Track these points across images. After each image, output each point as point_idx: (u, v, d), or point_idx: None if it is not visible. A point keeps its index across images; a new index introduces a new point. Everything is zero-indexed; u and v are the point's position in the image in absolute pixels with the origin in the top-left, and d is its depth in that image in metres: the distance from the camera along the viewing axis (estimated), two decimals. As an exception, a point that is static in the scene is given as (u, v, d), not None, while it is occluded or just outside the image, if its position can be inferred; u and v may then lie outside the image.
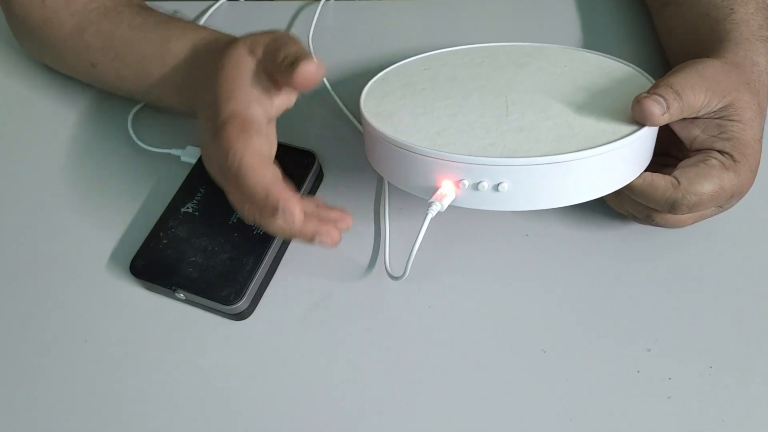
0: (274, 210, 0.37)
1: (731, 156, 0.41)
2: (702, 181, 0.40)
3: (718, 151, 0.41)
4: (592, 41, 0.58)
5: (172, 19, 0.50)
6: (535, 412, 0.41)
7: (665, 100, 0.39)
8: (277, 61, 0.39)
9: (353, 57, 0.58)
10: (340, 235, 0.40)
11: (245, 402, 0.42)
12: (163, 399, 0.43)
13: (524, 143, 0.40)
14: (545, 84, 0.45)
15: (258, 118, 0.40)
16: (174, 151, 0.52)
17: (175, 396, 0.43)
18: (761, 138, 0.42)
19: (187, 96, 0.47)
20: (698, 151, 0.42)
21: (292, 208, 0.37)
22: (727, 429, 0.40)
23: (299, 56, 0.38)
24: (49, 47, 0.52)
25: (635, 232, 0.47)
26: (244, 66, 0.41)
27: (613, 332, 0.44)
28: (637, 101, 0.40)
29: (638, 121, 0.40)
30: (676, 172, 0.41)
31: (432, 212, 0.40)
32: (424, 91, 0.46)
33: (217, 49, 0.44)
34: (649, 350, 0.43)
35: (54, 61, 0.55)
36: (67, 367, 0.44)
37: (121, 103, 0.56)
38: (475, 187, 0.40)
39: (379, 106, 0.45)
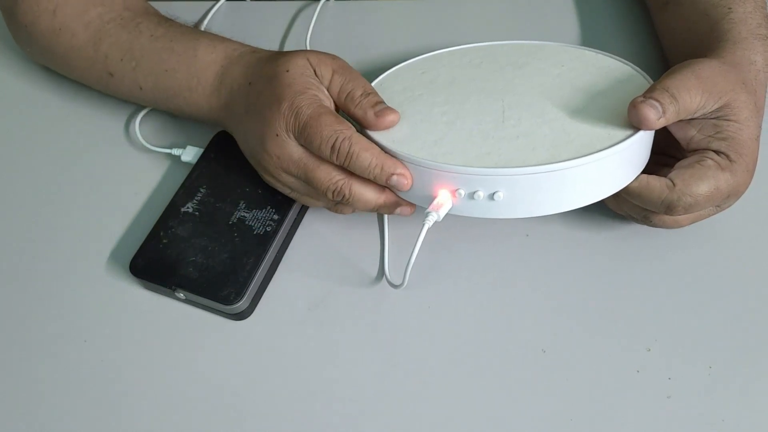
0: (389, 178, 0.41)
1: (727, 156, 0.41)
2: (697, 182, 0.40)
3: (714, 152, 0.41)
4: (591, 40, 0.58)
5: (196, 31, 0.50)
6: (535, 412, 0.41)
7: (661, 104, 0.39)
8: (355, 99, 0.43)
9: (352, 57, 0.58)
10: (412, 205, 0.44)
11: (245, 402, 0.42)
12: (164, 399, 0.43)
13: (520, 151, 0.40)
14: (543, 86, 0.45)
15: (335, 111, 0.43)
16: (174, 151, 0.52)
17: (176, 396, 0.43)
18: (758, 137, 0.42)
19: (216, 104, 0.48)
20: (695, 151, 0.42)
21: (406, 174, 0.42)
22: (727, 429, 0.40)
23: (383, 107, 0.43)
24: (59, 56, 0.52)
25: (635, 233, 0.47)
26: (309, 75, 0.43)
27: (613, 332, 0.44)
28: (633, 105, 0.40)
29: (634, 125, 0.40)
30: (672, 174, 0.41)
31: (429, 222, 0.41)
32: (422, 96, 0.46)
33: (258, 59, 0.46)
34: (649, 350, 0.43)
35: (63, 69, 0.54)
36: (67, 367, 0.44)
37: (122, 103, 0.56)
38: (471, 196, 0.40)
39: None
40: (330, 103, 0.44)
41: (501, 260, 0.47)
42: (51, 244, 0.49)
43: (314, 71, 0.44)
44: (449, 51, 0.51)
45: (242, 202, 0.47)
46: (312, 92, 0.43)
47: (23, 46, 0.56)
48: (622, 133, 0.40)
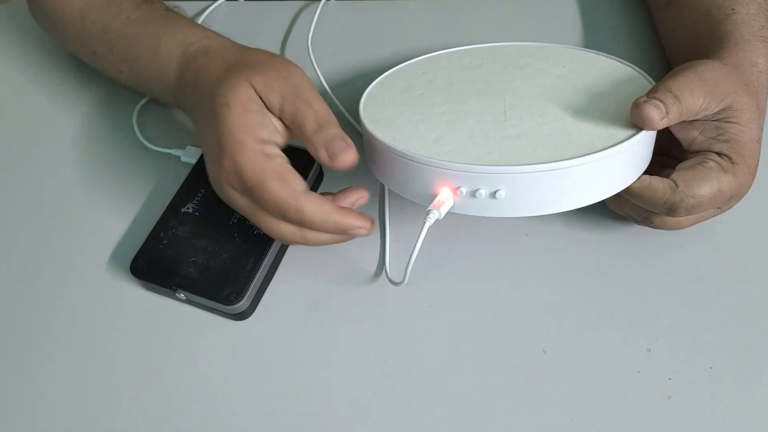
0: (347, 235, 0.40)
1: (729, 158, 0.41)
2: (700, 183, 0.40)
3: (717, 153, 0.41)
4: (593, 41, 0.58)
5: (167, 17, 0.48)
6: (535, 412, 0.41)
7: (664, 104, 0.39)
8: (305, 134, 0.39)
9: (353, 57, 0.58)
10: (370, 223, 0.41)
11: (245, 402, 0.42)
12: (164, 399, 0.43)
13: (521, 150, 0.40)
14: (544, 87, 0.45)
15: (282, 161, 0.40)
16: (174, 152, 0.52)
17: (176, 396, 0.43)
18: (760, 139, 0.42)
19: (180, 100, 0.46)
20: (697, 152, 0.42)
21: (365, 225, 0.40)
22: (727, 429, 0.40)
23: (338, 146, 0.39)
24: (56, 24, 0.51)
25: (635, 233, 0.47)
26: (253, 110, 0.39)
27: (613, 332, 0.44)
28: (636, 105, 0.40)
29: (637, 125, 0.40)
30: (674, 175, 0.41)
31: (430, 221, 0.41)
32: (423, 96, 0.46)
33: (206, 71, 0.42)
34: (649, 350, 0.43)
35: (59, 40, 0.53)
36: (67, 367, 0.44)
37: (122, 103, 0.56)
38: (473, 194, 0.40)
39: (378, 113, 0.45)
40: (282, 137, 0.41)
41: (501, 260, 0.47)
42: (52, 244, 0.49)
43: (261, 99, 0.40)
44: (449, 52, 0.51)
45: None
46: (252, 144, 0.38)
47: (33, 11, 0.55)
48: (623, 133, 0.40)
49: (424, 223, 0.41)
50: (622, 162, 0.40)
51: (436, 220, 0.41)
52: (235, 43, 0.45)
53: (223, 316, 0.45)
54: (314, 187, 0.50)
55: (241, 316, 0.45)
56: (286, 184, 0.38)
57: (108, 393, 0.43)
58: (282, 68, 0.41)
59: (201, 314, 0.46)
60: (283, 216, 0.39)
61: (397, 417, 0.41)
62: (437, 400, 0.42)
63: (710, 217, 0.43)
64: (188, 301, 0.45)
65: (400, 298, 0.45)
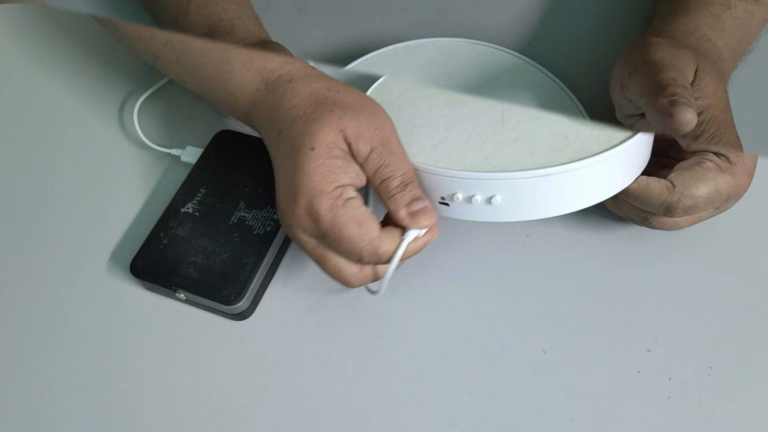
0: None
1: (727, 158, 0.40)
2: (697, 184, 0.40)
3: (714, 153, 0.41)
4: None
5: (243, 31, 0.46)
6: (535, 412, 0.41)
7: (687, 98, 0.37)
8: (390, 191, 0.39)
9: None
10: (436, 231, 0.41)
11: (246, 402, 0.42)
12: (164, 399, 0.43)
13: (518, 155, 0.40)
14: (541, 90, 0.45)
15: (359, 204, 0.39)
16: (174, 151, 0.52)
17: (176, 396, 0.43)
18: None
19: (254, 122, 0.43)
20: (694, 153, 0.42)
21: (434, 235, 0.41)
22: (727, 429, 0.40)
23: (419, 203, 0.39)
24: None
25: (635, 233, 0.47)
26: (338, 156, 0.39)
27: (613, 332, 0.44)
28: (666, 113, 0.36)
29: (665, 132, 0.39)
30: (672, 176, 0.41)
31: (408, 237, 0.40)
32: (422, 99, 0.46)
33: (291, 99, 0.40)
34: (649, 350, 0.43)
35: (122, 35, 0.50)
36: (68, 367, 0.44)
37: (122, 102, 0.56)
38: (469, 200, 0.40)
39: None
40: (360, 180, 0.40)
41: (501, 261, 0.47)
42: (52, 244, 0.49)
43: (349, 147, 0.39)
44: (451, 45, 0.51)
45: (242, 202, 0.47)
46: (332, 191, 0.38)
47: None
48: (621, 135, 0.40)
49: (402, 240, 0.40)
50: (620, 163, 0.40)
51: (439, 214, 0.41)
52: (319, 71, 0.43)
53: (223, 316, 0.45)
54: None
55: (241, 316, 0.45)
56: (363, 228, 0.38)
57: (108, 393, 0.43)
58: (373, 116, 0.40)
59: (201, 314, 0.46)
60: (360, 259, 0.39)
61: (397, 417, 0.41)
62: (437, 400, 0.42)
63: (708, 217, 0.43)
64: (188, 301, 0.45)
65: (400, 297, 0.45)
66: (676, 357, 0.43)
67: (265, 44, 0.46)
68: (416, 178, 0.40)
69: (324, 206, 0.38)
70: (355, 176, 0.39)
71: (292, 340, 0.44)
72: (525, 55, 0.49)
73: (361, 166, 0.40)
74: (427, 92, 0.47)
